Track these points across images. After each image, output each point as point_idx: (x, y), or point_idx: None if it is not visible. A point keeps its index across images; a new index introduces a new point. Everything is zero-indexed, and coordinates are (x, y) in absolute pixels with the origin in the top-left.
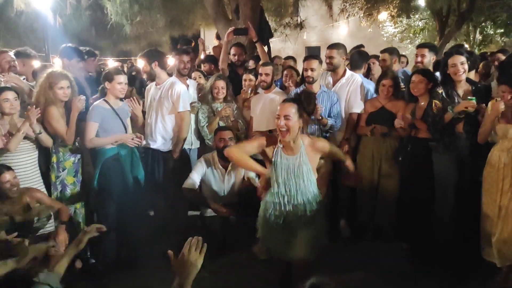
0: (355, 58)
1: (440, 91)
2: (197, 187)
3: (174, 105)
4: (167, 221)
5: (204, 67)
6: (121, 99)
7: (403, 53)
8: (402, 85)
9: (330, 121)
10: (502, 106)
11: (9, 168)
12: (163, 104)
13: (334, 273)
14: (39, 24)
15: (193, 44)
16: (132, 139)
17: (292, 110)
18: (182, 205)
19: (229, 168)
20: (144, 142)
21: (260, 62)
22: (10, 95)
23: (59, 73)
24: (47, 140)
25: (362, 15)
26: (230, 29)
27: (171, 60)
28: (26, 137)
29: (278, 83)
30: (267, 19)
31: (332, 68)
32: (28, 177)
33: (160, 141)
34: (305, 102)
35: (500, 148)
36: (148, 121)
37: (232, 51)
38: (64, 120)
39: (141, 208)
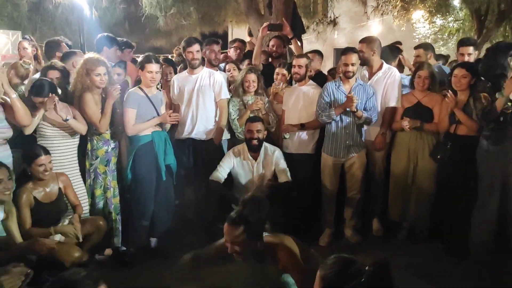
0: (385, 52)
1: (488, 84)
2: (223, 180)
3: (215, 93)
4: (197, 212)
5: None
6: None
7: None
8: None
9: (365, 114)
10: None
11: (46, 152)
12: (204, 93)
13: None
14: (74, 17)
15: None
16: (170, 116)
17: (235, 233)
18: (213, 195)
19: (259, 159)
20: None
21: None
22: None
23: (96, 59)
24: (78, 127)
25: (396, 13)
26: (265, 24)
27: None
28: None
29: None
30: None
31: (362, 62)
32: (63, 162)
33: (202, 129)
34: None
35: None
36: (186, 111)
37: (272, 42)
38: (99, 107)
39: (172, 197)
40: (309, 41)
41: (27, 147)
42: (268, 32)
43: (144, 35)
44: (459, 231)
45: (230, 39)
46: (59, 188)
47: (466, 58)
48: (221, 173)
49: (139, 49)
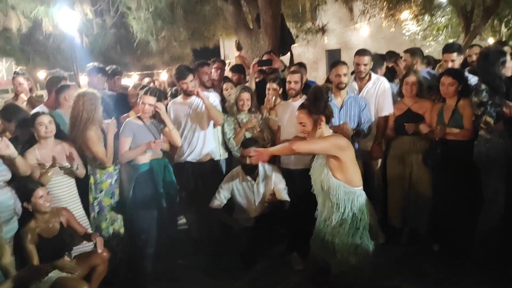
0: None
1: (483, 87)
2: (223, 205)
3: None
4: (201, 233)
5: (233, 77)
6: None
7: (427, 51)
8: None
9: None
10: None
11: (41, 184)
12: (202, 116)
13: (370, 280)
14: (66, 45)
15: None
16: (155, 142)
17: (303, 116)
18: (216, 216)
19: (258, 179)
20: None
21: (288, 69)
22: (45, 119)
23: (92, 93)
24: (81, 173)
25: (383, 15)
26: (254, 61)
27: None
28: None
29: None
30: (288, 25)
31: (364, 75)
32: (64, 197)
33: (199, 152)
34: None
35: None
36: (184, 135)
37: (264, 57)
38: (101, 142)
39: (175, 222)
40: (301, 44)
41: (20, 186)
42: (259, 68)
43: (136, 55)
44: (461, 234)
45: (222, 52)
46: (61, 223)
47: (450, 64)
48: (220, 199)
49: (132, 67)
